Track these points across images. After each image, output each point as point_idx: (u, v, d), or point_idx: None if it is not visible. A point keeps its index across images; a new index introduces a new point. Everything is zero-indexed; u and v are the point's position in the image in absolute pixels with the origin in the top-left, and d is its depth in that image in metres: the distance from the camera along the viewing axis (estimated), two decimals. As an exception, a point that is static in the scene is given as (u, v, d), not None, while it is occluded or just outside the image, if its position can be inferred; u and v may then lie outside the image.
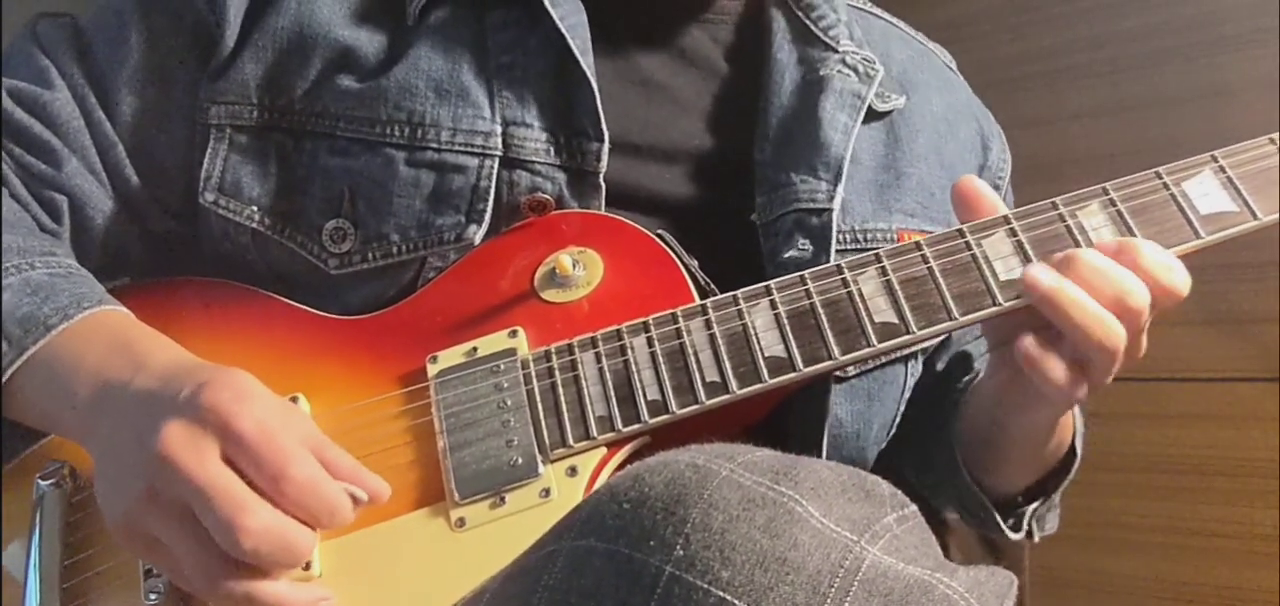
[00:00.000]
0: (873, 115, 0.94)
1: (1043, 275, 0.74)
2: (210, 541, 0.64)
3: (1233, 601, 1.80)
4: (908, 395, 0.96)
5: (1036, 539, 0.96)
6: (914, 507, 0.60)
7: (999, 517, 0.93)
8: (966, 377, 0.99)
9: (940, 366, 1.02)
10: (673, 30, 0.94)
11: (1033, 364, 0.74)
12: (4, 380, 0.73)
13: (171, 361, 0.72)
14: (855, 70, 0.94)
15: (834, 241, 0.87)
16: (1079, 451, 0.92)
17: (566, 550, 0.56)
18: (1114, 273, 0.74)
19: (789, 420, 0.88)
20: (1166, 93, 1.88)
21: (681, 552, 0.52)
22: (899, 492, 0.60)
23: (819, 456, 0.87)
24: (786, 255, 0.87)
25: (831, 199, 0.88)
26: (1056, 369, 0.74)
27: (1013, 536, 0.94)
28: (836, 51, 0.94)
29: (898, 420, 0.97)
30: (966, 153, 1.02)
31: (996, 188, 1.03)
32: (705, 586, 0.51)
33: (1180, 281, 0.75)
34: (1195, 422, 1.82)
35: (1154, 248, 0.75)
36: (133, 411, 0.68)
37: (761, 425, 0.80)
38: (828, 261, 0.85)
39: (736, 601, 0.51)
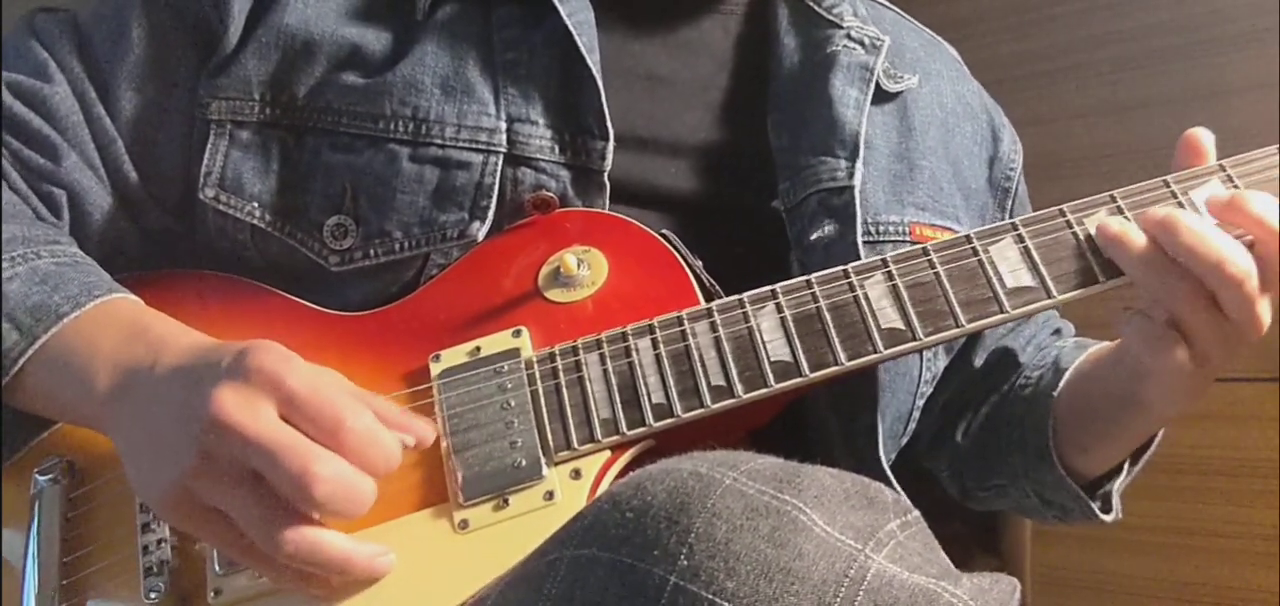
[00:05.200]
0: (885, 96, 0.94)
1: (1131, 235, 0.74)
2: (273, 500, 0.65)
3: (1233, 601, 1.80)
4: (924, 390, 0.96)
5: (1121, 515, 0.95)
6: (917, 514, 0.60)
7: (1089, 501, 0.92)
8: (1024, 378, 0.98)
9: (979, 362, 1.02)
10: (682, 22, 0.94)
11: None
12: (17, 369, 0.73)
13: (194, 342, 0.72)
14: (861, 44, 0.94)
15: (859, 218, 0.87)
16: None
17: (569, 559, 0.55)
18: (1212, 239, 0.72)
19: (839, 417, 0.88)
20: (1166, 93, 1.88)
21: (685, 562, 0.52)
22: (902, 498, 0.60)
23: (876, 444, 0.87)
24: (813, 237, 0.87)
25: (851, 176, 0.88)
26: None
27: (1104, 518, 0.93)
28: (841, 27, 0.94)
29: (914, 416, 0.96)
30: (975, 146, 1.01)
31: (1008, 180, 1.04)
32: (710, 596, 0.51)
33: None
34: (1195, 423, 1.81)
35: (1263, 198, 0.74)
36: (167, 388, 0.68)
37: (768, 429, 0.80)
38: (854, 240, 0.85)
39: None
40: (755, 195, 0.91)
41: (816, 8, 0.95)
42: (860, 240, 0.86)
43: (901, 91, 0.96)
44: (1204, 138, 0.79)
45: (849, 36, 0.94)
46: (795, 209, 0.89)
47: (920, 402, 0.96)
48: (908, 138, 0.95)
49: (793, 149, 0.90)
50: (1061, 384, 0.93)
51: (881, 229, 0.90)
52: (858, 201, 0.87)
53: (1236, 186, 0.78)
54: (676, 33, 0.94)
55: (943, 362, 0.99)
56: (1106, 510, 0.93)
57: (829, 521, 0.54)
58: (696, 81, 0.93)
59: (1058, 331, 1.05)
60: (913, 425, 0.97)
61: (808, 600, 0.51)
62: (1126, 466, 0.92)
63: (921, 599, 0.53)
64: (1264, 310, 0.73)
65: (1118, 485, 0.93)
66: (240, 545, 0.67)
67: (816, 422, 0.89)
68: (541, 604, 0.55)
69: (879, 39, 0.95)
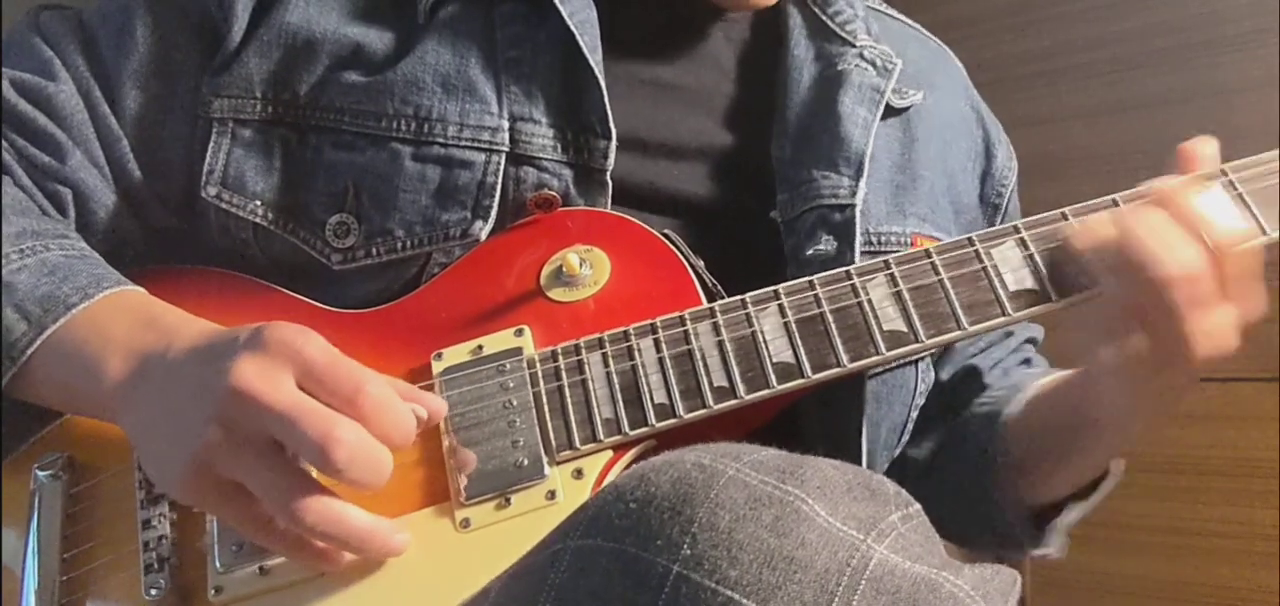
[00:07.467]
0: (891, 111, 0.94)
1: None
2: (295, 470, 0.65)
3: (1233, 601, 1.80)
4: (918, 401, 0.96)
5: (1062, 553, 0.93)
6: (918, 506, 0.60)
7: (1031, 525, 0.91)
8: (985, 398, 0.98)
9: (945, 376, 1.02)
10: (687, 28, 0.94)
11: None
12: (25, 359, 0.73)
13: (205, 326, 0.73)
14: (873, 64, 0.94)
15: (858, 237, 0.87)
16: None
17: (572, 549, 0.55)
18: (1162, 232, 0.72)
19: (825, 422, 0.88)
20: (1166, 93, 1.89)
21: (689, 552, 0.52)
22: (903, 491, 0.60)
23: (859, 454, 0.87)
24: (809, 252, 0.87)
25: (854, 194, 0.88)
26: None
27: (1045, 550, 0.92)
28: (854, 46, 0.94)
29: (908, 426, 0.96)
30: (969, 161, 1.02)
31: (999, 196, 1.04)
32: (712, 585, 0.51)
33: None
34: (1195, 423, 1.82)
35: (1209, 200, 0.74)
36: (183, 368, 0.69)
37: (768, 428, 0.80)
38: (852, 257, 0.86)
39: (744, 600, 0.51)
40: (757, 203, 0.91)
41: (830, 23, 0.96)
42: (858, 258, 0.86)
43: (907, 106, 0.96)
44: (1201, 148, 0.79)
45: (861, 56, 0.94)
46: (793, 222, 0.89)
47: (915, 413, 0.96)
48: (910, 149, 0.96)
49: (794, 162, 0.90)
50: (1016, 400, 0.93)
51: (883, 239, 0.91)
52: (858, 220, 0.87)
53: (1238, 192, 0.78)
54: (684, 39, 0.94)
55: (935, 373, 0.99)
56: (1048, 543, 0.92)
57: (831, 512, 0.54)
58: (701, 89, 0.93)
59: (1028, 361, 1.05)
60: (906, 435, 0.97)
61: (810, 589, 0.51)
62: (1072, 504, 0.91)
63: (924, 588, 0.53)
64: (1201, 323, 0.72)
65: (1061, 522, 0.92)
66: (258, 522, 0.67)
67: (809, 432, 0.89)
68: (545, 594, 0.55)
69: (892, 61, 0.95)
